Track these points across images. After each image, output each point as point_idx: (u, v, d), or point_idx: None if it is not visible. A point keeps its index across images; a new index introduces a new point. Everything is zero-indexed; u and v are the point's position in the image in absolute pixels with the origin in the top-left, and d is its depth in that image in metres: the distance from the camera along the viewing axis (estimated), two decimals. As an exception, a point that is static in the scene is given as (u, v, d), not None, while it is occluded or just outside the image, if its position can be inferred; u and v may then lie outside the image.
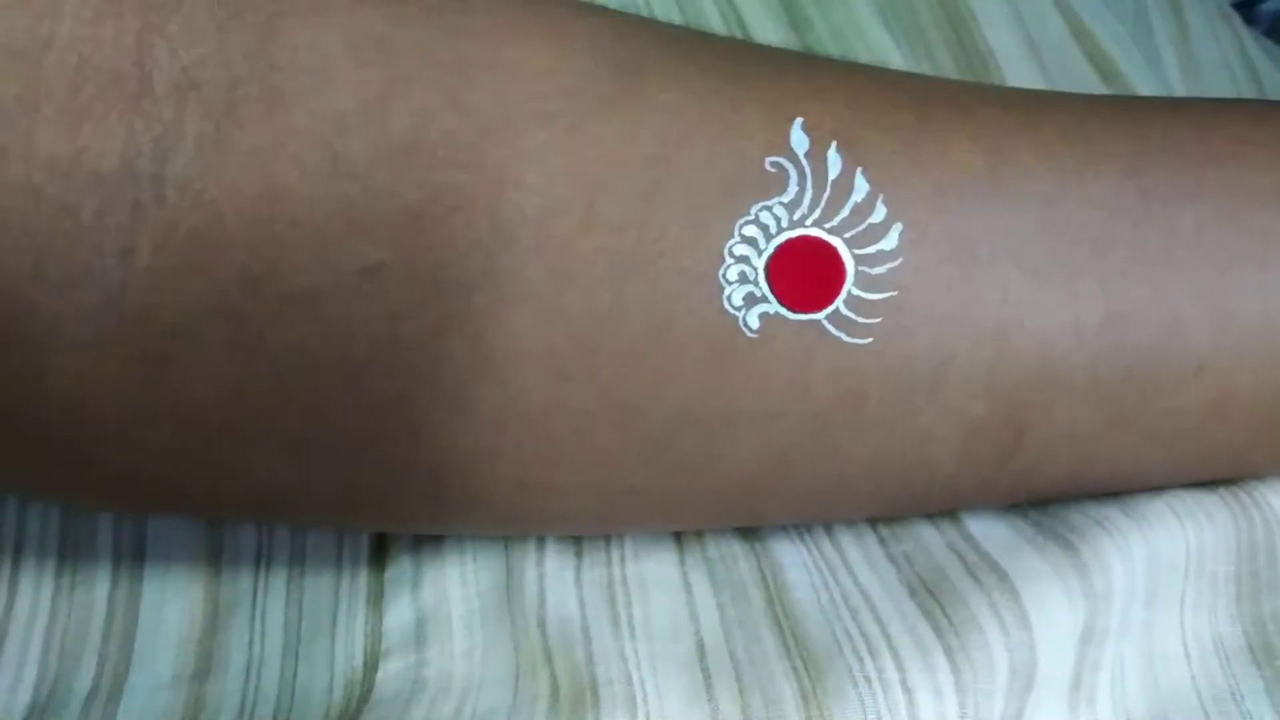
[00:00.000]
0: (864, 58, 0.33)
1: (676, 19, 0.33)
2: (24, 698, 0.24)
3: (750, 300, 0.20)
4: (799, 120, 0.20)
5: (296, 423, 0.19)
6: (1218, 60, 0.36)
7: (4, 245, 0.17)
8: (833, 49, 0.33)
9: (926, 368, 0.20)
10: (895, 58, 0.33)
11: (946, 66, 0.34)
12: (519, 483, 0.20)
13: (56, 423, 0.19)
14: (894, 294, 0.20)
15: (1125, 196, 0.21)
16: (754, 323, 0.20)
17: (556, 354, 0.19)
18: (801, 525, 0.26)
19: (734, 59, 0.21)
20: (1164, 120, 0.22)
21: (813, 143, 0.20)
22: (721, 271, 0.19)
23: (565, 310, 0.19)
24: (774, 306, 0.20)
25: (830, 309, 0.20)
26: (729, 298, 0.19)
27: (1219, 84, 0.36)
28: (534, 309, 0.19)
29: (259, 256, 0.18)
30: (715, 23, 0.34)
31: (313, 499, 0.21)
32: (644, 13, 0.33)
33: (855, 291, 0.20)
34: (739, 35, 0.33)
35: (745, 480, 0.21)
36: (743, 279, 0.19)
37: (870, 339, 0.20)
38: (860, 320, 0.20)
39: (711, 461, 0.21)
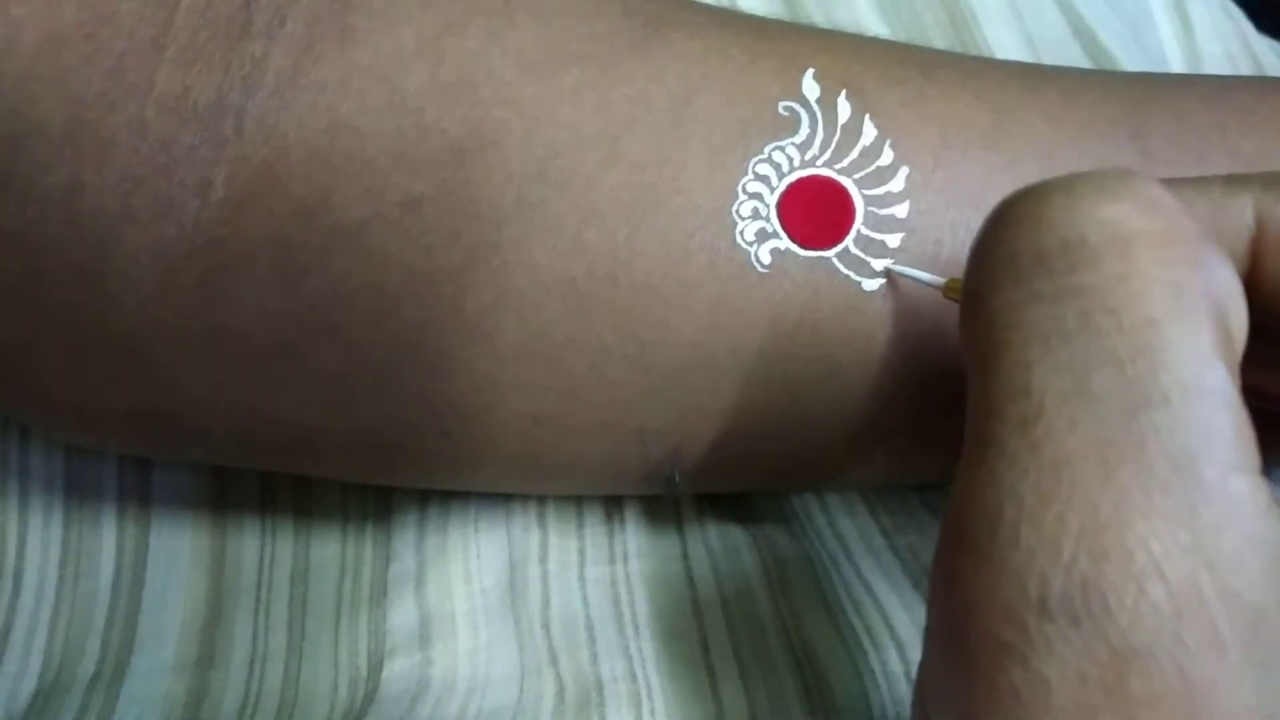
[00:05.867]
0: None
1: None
2: (29, 686, 0.24)
3: (762, 235, 0.20)
4: (811, 70, 0.21)
5: (330, 353, 0.20)
6: (1221, 56, 0.36)
7: (107, 178, 0.18)
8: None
9: (932, 310, 0.21)
10: None
11: (948, 65, 0.34)
12: (535, 419, 0.21)
13: (117, 352, 0.20)
14: (901, 235, 0.20)
15: (1128, 157, 0.22)
16: (765, 258, 0.20)
17: (577, 287, 0.20)
18: (805, 518, 0.26)
19: (753, 21, 0.22)
20: (1167, 92, 0.23)
21: (824, 91, 0.21)
22: (735, 207, 0.20)
23: (586, 243, 0.20)
24: (785, 242, 0.20)
25: (840, 247, 0.20)
26: (741, 233, 0.20)
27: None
28: (557, 242, 0.20)
29: (313, 188, 0.19)
30: (717, 20, 0.34)
31: (338, 435, 0.22)
32: None
33: (864, 231, 0.20)
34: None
35: (757, 422, 0.21)
36: (755, 215, 0.20)
37: (878, 279, 0.20)
38: (869, 260, 0.20)
39: (721, 401, 0.21)
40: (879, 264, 0.20)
